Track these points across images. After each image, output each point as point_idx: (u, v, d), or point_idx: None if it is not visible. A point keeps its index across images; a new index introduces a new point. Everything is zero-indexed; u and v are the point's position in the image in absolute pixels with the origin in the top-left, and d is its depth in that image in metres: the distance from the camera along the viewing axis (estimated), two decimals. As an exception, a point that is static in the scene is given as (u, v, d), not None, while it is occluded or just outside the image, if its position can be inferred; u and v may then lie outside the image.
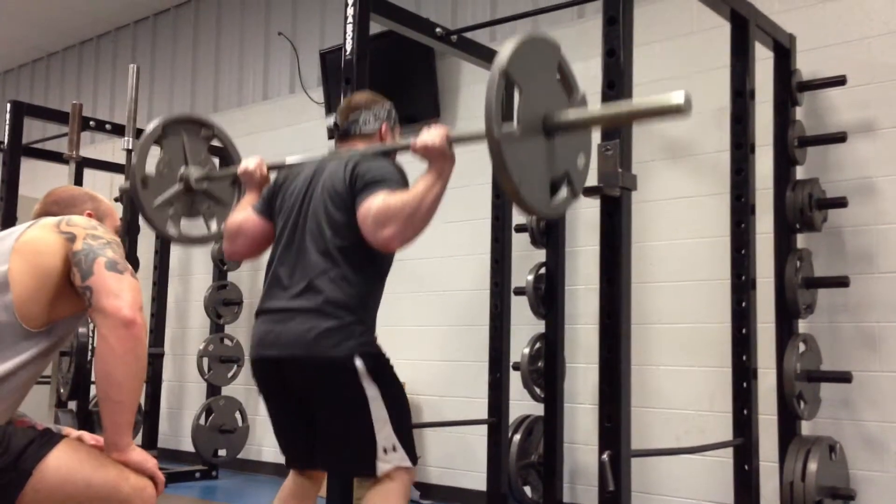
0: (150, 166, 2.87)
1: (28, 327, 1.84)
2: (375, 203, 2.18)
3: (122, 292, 1.81)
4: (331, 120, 2.57)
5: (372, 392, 2.20)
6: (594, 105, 2.31)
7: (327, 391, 2.22)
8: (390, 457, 2.21)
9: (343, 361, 2.18)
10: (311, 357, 2.20)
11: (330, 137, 2.68)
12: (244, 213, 2.53)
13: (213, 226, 2.98)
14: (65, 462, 1.77)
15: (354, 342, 2.20)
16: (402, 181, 2.29)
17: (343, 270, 2.25)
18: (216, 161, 3.26)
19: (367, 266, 2.29)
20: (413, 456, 2.27)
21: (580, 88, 2.22)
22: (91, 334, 4.54)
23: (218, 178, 2.95)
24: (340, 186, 2.30)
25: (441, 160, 2.22)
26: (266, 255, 2.51)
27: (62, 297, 1.89)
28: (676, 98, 1.90)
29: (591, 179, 2.46)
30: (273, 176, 2.61)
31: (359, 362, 2.19)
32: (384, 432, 2.21)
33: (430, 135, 2.22)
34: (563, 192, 2.16)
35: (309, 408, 2.30)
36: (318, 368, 2.21)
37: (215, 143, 3.10)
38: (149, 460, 1.87)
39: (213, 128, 3.04)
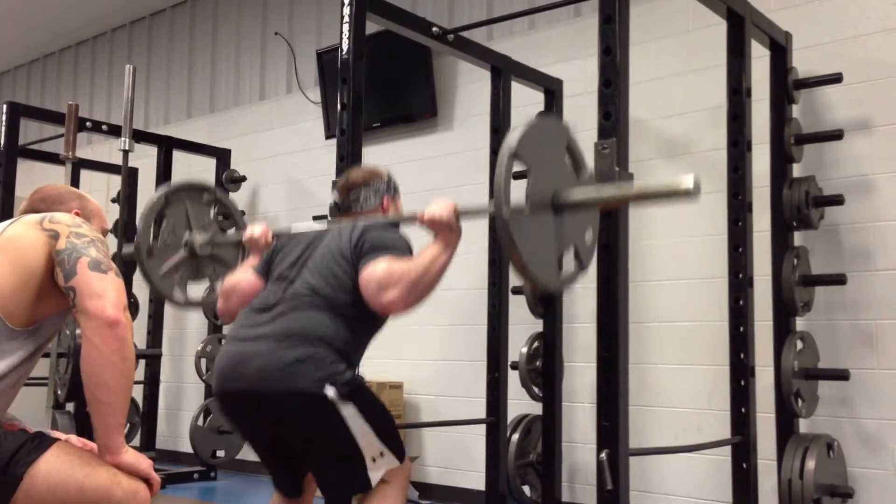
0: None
1: (11, 325, 1.81)
2: (380, 267, 2.19)
3: (105, 292, 1.78)
4: (332, 197, 2.57)
5: (348, 410, 2.15)
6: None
7: (301, 425, 2.18)
8: (379, 463, 2.21)
9: (313, 392, 2.12)
10: (279, 392, 2.14)
11: (332, 214, 2.69)
12: (242, 272, 2.52)
13: (220, 287, 2.92)
14: (56, 467, 1.74)
15: (324, 373, 2.14)
16: (407, 250, 2.31)
17: (330, 313, 2.23)
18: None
19: (358, 321, 2.27)
20: (401, 454, 2.28)
21: (588, 166, 2.22)
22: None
23: (222, 244, 2.93)
24: (346, 248, 2.30)
25: (448, 232, 2.23)
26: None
27: (46, 295, 1.86)
28: (686, 182, 1.89)
29: (588, 178, 2.47)
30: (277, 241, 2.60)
31: (330, 390, 2.13)
32: (369, 443, 2.19)
33: (438, 208, 2.23)
34: (571, 265, 2.15)
35: (285, 443, 2.28)
36: (289, 403, 2.15)
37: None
38: (142, 462, 1.84)
39: (216, 192, 3.03)
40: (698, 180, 1.89)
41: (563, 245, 2.12)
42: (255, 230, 2.60)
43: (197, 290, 3.06)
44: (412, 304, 2.19)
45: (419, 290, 2.17)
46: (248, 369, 2.17)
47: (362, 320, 2.28)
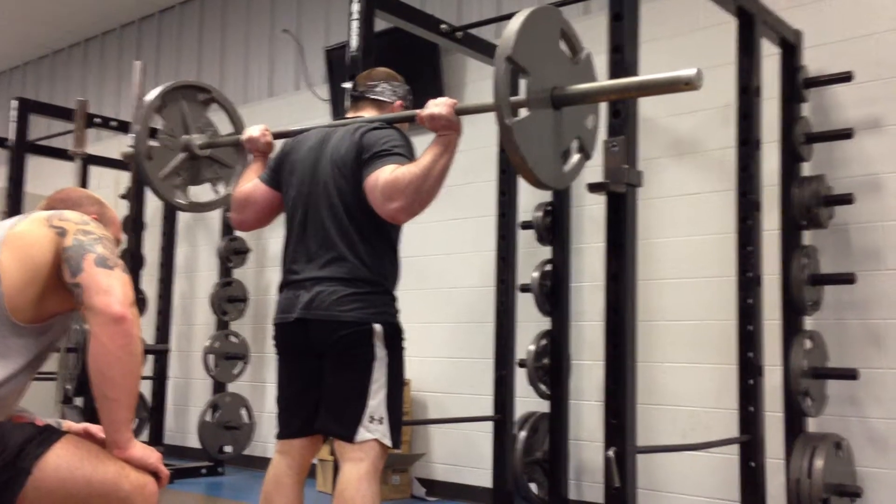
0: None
1: (17, 320, 1.81)
2: (383, 176, 2.21)
3: (111, 288, 1.78)
4: (349, 84, 2.59)
5: (381, 353, 2.26)
6: (598, 60, 2.33)
7: (342, 347, 2.26)
8: (374, 427, 2.23)
9: (363, 322, 2.25)
10: (332, 317, 2.25)
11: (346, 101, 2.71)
12: (252, 183, 2.56)
13: (221, 189, 3.01)
14: (65, 460, 1.74)
15: (376, 310, 2.28)
16: (408, 151, 2.31)
17: (360, 243, 2.30)
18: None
19: (379, 236, 2.34)
20: (396, 438, 2.28)
21: (584, 48, 2.24)
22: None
23: (221, 145, 2.96)
24: (348, 157, 2.32)
25: (448, 131, 2.23)
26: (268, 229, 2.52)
27: (52, 293, 1.86)
28: (687, 72, 1.89)
29: (597, 175, 2.47)
30: (278, 144, 2.65)
31: (377, 326, 2.26)
32: (377, 398, 2.24)
33: (437, 105, 2.23)
34: (575, 157, 2.17)
35: (320, 370, 2.32)
36: (339, 326, 2.25)
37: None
38: (151, 456, 1.84)
39: (212, 91, 3.05)
40: (700, 71, 1.89)
41: (566, 138, 2.13)
42: (253, 131, 2.66)
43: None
44: (418, 210, 2.22)
45: (423, 196, 2.19)
46: (306, 302, 2.29)
47: (381, 233, 2.34)
